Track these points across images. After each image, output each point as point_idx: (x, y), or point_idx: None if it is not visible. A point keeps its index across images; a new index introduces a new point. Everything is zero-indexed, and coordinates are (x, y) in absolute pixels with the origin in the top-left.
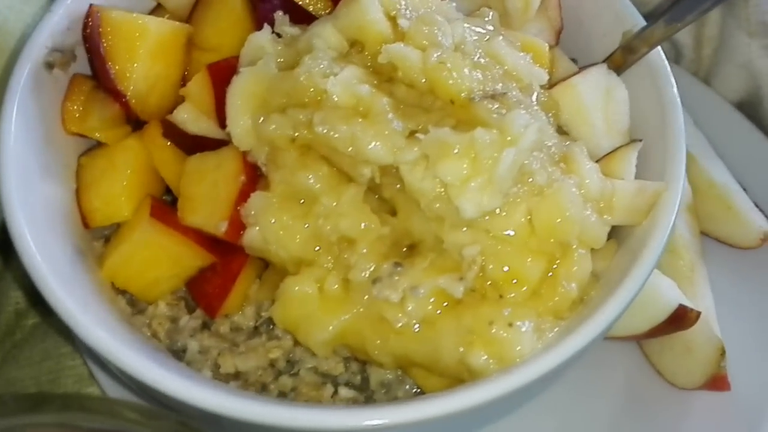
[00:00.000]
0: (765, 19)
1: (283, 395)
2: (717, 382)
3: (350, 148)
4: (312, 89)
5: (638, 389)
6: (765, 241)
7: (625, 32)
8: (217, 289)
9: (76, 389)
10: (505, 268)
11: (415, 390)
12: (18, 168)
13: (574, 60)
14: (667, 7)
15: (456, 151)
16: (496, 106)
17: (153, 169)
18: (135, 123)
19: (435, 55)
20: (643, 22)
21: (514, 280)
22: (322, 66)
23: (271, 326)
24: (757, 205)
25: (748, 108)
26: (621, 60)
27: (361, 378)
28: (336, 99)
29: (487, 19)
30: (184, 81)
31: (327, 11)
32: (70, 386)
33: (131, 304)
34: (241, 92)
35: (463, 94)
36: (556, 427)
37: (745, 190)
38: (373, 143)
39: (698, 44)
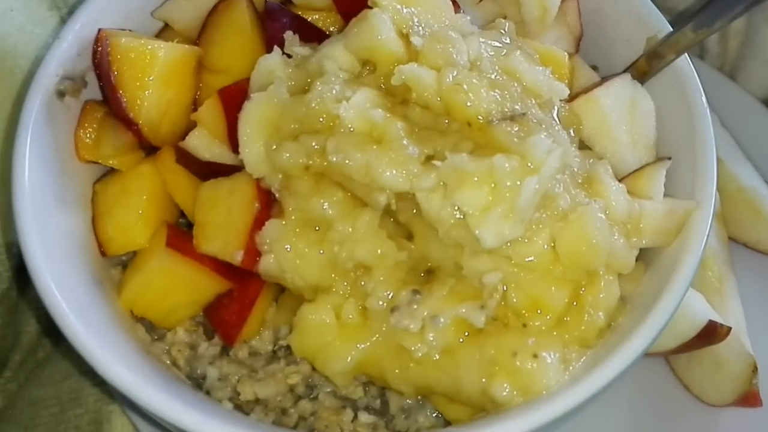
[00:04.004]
0: None
1: (303, 420)
2: (748, 398)
3: (365, 176)
4: (324, 115)
5: (666, 405)
6: None
7: (650, 38)
8: (234, 317)
9: (97, 408)
10: (528, 297)
11: (435, 414)
12: (34, 199)
13: (594, 67)
14: (695, 11)
15: (475, 178)
16: (515, 128)
17: (167, 195)
18: (148, 147)
19: (450, 76)
20: (667, 26)
21: (539, 309)
22: (334, 91)
23: (290, 351)
24: None
25: None
26: (646, 67)
27: (381, 402)
28: (349, 125)
29: (503, 31)
30: (195, 104)
31: (337, 27)
32: (92, 405)
33: (150, 331)
34: (252, 119)
35: (480, 117)
36: None
37: None
38: (389, 171)
39: (724, 37)
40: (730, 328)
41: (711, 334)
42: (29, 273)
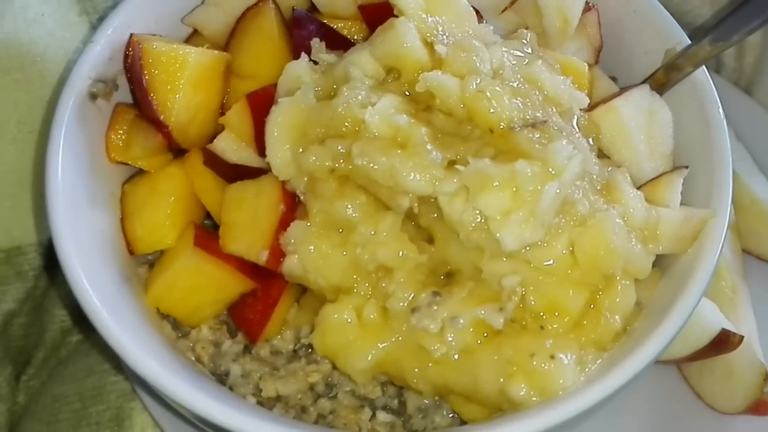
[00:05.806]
0: None
1: (322, 418)
2: (760, 406)
3: (389, 180)
4: (350, 120)
5: (678, 412)
6: None
7: (668, 50)
8: (257, 315)
9: (118, 404)
10: (547, 300)
11: (452, 415)
12: (66, 198)
13: (614, 78)
14: (713, 25)
15: (497, 183)
16: (537, 135)
17: (194, 196)
18: (176, 149)
19: (474, 84)
20: (686, 39)
21: (556, 312)
22: (360, 96)
23: (310, 350)
24: None
25: None
26: (664, 79)
27: (398, 402)
28: (374, 130)
29: (525, 41)
30: (223, 108)
31: (362, 35)
32: (113, 401)
33: (175, 328)
34: (279, 123)
35: (502, 124)
36: None
37: None
38: (413, 175)
39: (740, 52)
40: (742, 337)
41: (724, 342)
42: (62, 269)
